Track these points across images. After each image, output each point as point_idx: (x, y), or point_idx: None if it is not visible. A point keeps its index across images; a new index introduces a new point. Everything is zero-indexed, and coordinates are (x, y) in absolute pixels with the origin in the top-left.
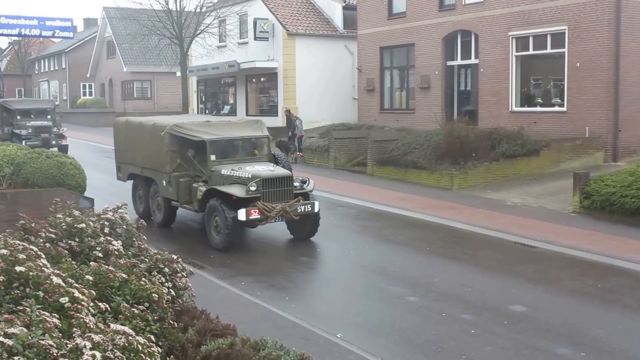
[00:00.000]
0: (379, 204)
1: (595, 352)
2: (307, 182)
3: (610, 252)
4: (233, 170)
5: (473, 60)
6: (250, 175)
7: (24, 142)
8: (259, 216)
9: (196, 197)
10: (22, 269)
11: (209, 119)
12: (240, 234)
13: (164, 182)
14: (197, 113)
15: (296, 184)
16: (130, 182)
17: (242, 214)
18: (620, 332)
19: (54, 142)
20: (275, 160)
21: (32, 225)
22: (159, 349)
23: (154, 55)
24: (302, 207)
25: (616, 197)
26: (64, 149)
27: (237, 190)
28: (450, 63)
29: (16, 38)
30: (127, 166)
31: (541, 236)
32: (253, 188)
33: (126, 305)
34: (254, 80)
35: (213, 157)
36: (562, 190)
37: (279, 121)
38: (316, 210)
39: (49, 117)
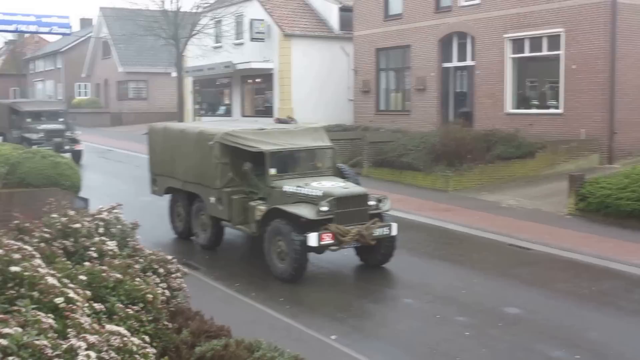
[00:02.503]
0: None
1: (590, 354)
2: (383, 200)
3: (605, 255)
4: (298, 187)
5: (469, 62)
6: (320, 193)
7: (34, 147)
8: (332, 241)
9: (254, 218)
10: (17, 269)
11: (263, 126)
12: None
13: (213, 199)
14: (193, 114)
15: (371, 202)
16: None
17: (313, 239)
18: (614, 335)
19: (67, 147)
20: (341, 174)
21: (27, 225)
22: (154, 350)
23: (149, 56)
24: (379, 230)
25: (611, 199)
26: (77, 154)
27: (306, 211)
28: (446, 65)
29: (12, 37)
30: (165, 179)
31: (536, 238)
32: (325, 208)
33: (121, 305)
34: (249, 81)
35: (273, 171)
36: (557, 192)
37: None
38: (393, 233)
39: (61, 119)
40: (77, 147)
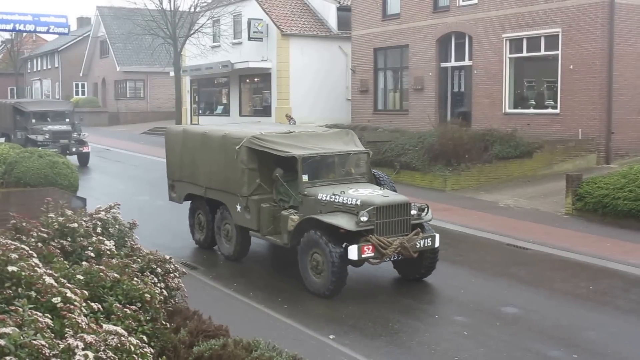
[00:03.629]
0: None
1: (588, 354)
2: (426, 209)
3: (603, 254)
4: (334, 194)
5: (467, 62)
6: (359, 202)
7: (40, 149)
8: (372, 254)
9: (286, 228)
10: (14, 268)
11: (290, 128)
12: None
13: (239, 207)
14: (191, 113)
15: (413, 212)
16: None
17: (353, 252)
18: (612, 334)
19: (74, 149)
20: (376, 180)
21: (24, 224)
22: (151, 350)
23: (147, 55)
24: (422, 242)
25: (609, 199)
26: (85, 157)
27: (344, 222)
28: (444, 64)
29: (9, 36)
30: (185, 185)
31: (534, 238)
32: (364, 218)
33: (118, 305)
34: (247, 80)
35: (305, 178)
36: (554, 192)
37: (272, 122)
38: (436, 245)
39: (67, 120)
40: (85, 150)
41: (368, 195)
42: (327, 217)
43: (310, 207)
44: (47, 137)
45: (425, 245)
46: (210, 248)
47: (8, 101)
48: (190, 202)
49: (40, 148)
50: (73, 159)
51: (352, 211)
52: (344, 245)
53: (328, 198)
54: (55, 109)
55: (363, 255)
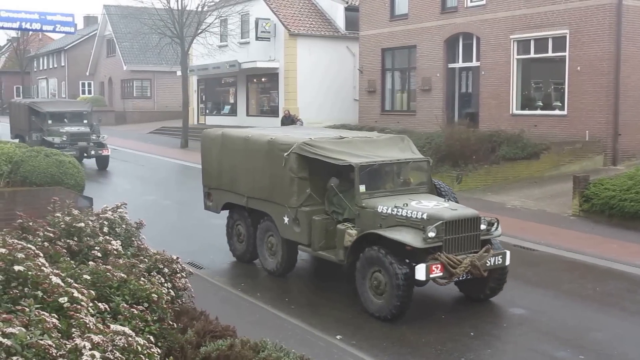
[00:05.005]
0: None
1: (594, 355)
2: (495, 224)
3: (609, 256)
4: (396, 207)
5: (474, 63)
6: (425, 216)
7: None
8: (441, 273)
9: (342, 243)
10: (20, 268)
11: (341, 133)
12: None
13: (287, 219)
14: (198, 113)
15: (482, 226)
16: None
17: (421, 271)
18: (618, 336)
19: (92, 152)
20: (437, 191)
21: (30, 224)
22: (158, 350)
23: (154, 54)
24: (492, 260)
25: (615, 200)
26: (104, 160)
27: (411, 238)
28: (451, 65)
29: (15, 34)
30: (223, 193)
31: (541, 239)
32: (432, 234)
33: (125, 305)
34: (254, 80)
35: (363, 188)
36: (561, 193)
37: (280, 122)
38: (507, 263)
39: (85, 121)
40: (104, 153)
41: (434, 208)
42: (390, 232)
43: (369, 221)
44: (64, 139)
45: (496, 263)
46: (250, 262)
47: (23, 101)
48: (228, 211)
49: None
50: (91, 162)
51: (418, 226)
52: (409, 264)
53: (389, 211)
54: (73, 110)
55: (431, 275)
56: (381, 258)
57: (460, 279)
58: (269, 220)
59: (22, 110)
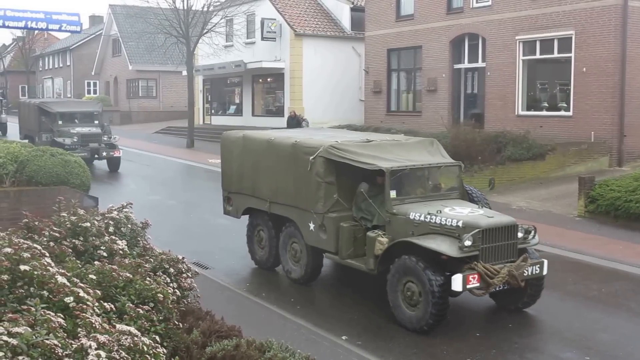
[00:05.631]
0: None
1: (600, 356)
2: (532, 232)
3: (615, 257)
4: (429, 214)
5: (480, 64)
6: (460, 224)
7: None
8: (478, 284)
9: (372, 252)
10: (26, 267)
11: (368, 136)
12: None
13: (312, 225)
14: (203, 113)
15: (519, 234)
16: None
17: (458, 282)
18: (624, 337)
19: (104, 154)
20: (469, 196)
21: (36, 223)
22: (164, 350)
23: (160, 54)
24: (530, 269)
25: (621, 201)
26: (116, 162)
27: (446, 246)
28: (457, 66)
29: (21, 34)
30: (244, 198)
31: (546, 240)
32: (469, 243)
33: (131, 305)
34: (260, 80)
35: (393, 194)
36: (567, 194)
37: (285, 122)
38: (544, 272)
39: (96, 122)
40: (116, 154)
41: (470, 215)
42: (424, 240)
43: (400, 228)
44: (75, 140)
45: (533, 273)
46: (272, 269)
47: (33, 101)
48: (249, 216)
49: (74, 154)
50: (101, 164)
51: (453, 234)
52: (444, 274)
53: (422, 218)
54: (84, 110)
55: (468, 286)
56: (415, 268)
57: (497, 289)
58: (293, 227)
59: (31, 111)
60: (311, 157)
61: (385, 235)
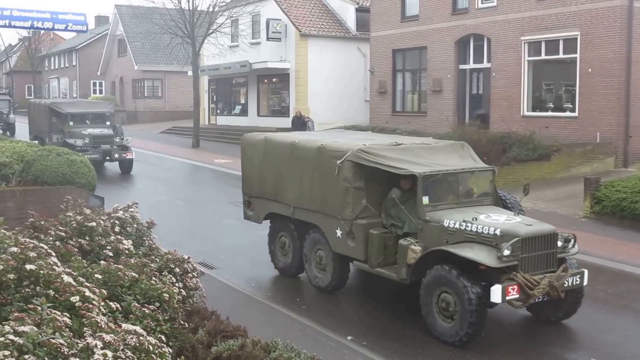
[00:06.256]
0: None
1: (605, 357)
2: (572, 240)
3: (621, 258)
4: (465, 221)
5: (485, 64)
6: (498, 232)
7: (86, 157)
8: (517, 295)
9: (405, 260)
10: (32, 267)
11: (397, 139)
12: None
13: (339, 232)
14: (209, 113)
15: (559, 243)
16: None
17: (497, 293)
18: (630, 338)
19: (116, 155)
20: (503, 203)
21: (42, 223)
22: (170, 350)
23: (165, 54)
24: (570, 280)
25: (627, 202)
26: (128, 164)
27: (484, 256)
28: (462, 67)
29: (27, 34)
30: (266, 203)
31: None
32: (507, 252)
33: (137, 305)
34: (265, 80)
35: (426, 200)
36: (572, 195)
37: (290, 122)
38: (585, 283)
39: (108, 123)
40: (128, 156)
41: (508, 223)
42: (461, 249)
43: (433, 236)
44: (86, 141)
45: (574, 283)
46: (295, 276)
47: (43, 101)
48: (270, 222)
49: (80, 154)
50: (114, 166)
51: (490, 243)
52: (482, 285)
53: (457, 225)
54: (95, 111)
55: (507, 298)
56: (451, 277)
57: (536, 301)
58: (318, 233)
59: (41, 111)
60: (338, 161)
61: (418, 243)
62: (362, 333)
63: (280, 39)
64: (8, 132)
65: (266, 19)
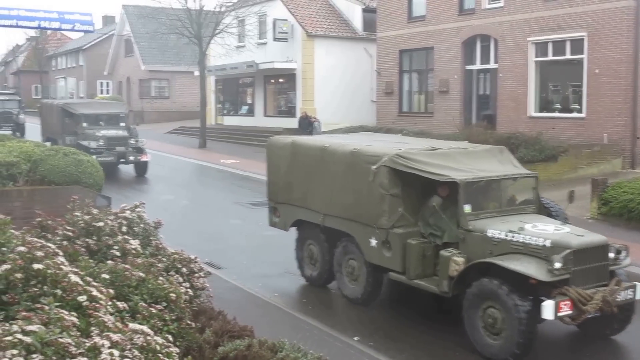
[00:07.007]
0: None
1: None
2: (624, 252)
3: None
4: (512, 232)
5: (492, 65)
6: (548, 243)
7: (93, 157)
8: (570, 311)
9: (446, 272)
10: (40, 266)
11: (432, 143)
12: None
13: (374, 241)
14: (215, 113)
15: (610, 254)
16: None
17: (549, 309)
18: (636, 339)
19: (131, 158)
20: (547, 210)
21: (49, 222)
22: (177, 349)
23: (172, 54)
24: (623, 294)
25: (634, 204)
26: (143, 167)
27: (534, 269)
28: (469, 67)
29: (34, 34)
30: (294, 209)
31: None
32: (559, 265)
33: (144, 304)
34: (272, 81)
35: (468, 208)
36: (580, 196)
37: (297, 123)
38: (638, 296)
39: (122, 124)
40: (143, 158)
41: (557, 233)
42: (509, 262)
43: (477, 247)
44: (101, 143)
45: (627, 297)
46: (324, 286)
47: (56, 101)
48: (297, 229)
49: (94, 156)
50: (129, 168)
51: (539, 254)
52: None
53: (503, 236)
54: (109, 112)
55: (559, 314)
56: (498, 292)
57: (590, 315)
58: (350, 242)
59: (54, 112)
60: (374, 167)
61: (461, 254)
62: (369, 333)
63: (286, 39)
64: (18, 133)
65: (273, 19)
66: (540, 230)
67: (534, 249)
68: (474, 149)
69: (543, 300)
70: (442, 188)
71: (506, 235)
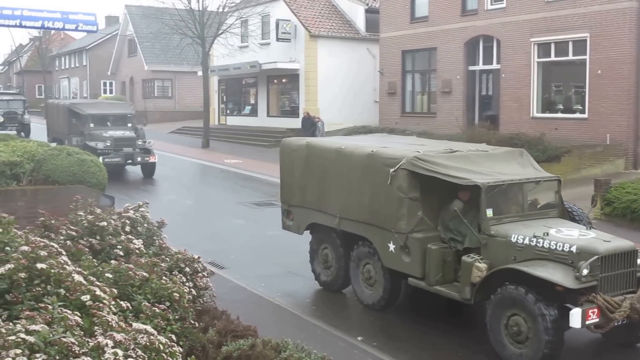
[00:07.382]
0: None
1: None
2: None
3: None
4: (536, 237)
5: (495, 66)
6: (574, 249)
7: (100, 158)
8: (597, 319)
9: (468, 279)
10: (43, 266)
11: (451, 145)
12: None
13: (392, 245)
14: (218, 113)
15: (638, 260)
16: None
17: (577, 317)
18: None
19: (139, 159)
20: (570, 215)
21: (53, 222)
22: (180, 349)
23: (175, 54)
24: None
25: (637, 204)
26: (150, 168)
27: (560, 275)
28: (472, 68)
29: (37, 33)
30: (307, 212)
31: None
32: (586, 271)
33: (147, 304)
34: (275, 81)
35: (490, 212)
36: (582, 196)
37: (300, 123)
38: None
39: (129, 125)
40: (151, 159)
41: (583, 239)
42: (533, 268)
43: (499, 252)
44: (108, 144)
45: None
46: (339, 291)
47: (62, 102)
48: (311, 233)
49: (101, 157)
50: (136, 169)
51: (565, 260)
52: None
53: (527, 241)
54: (116, 112)
55: (587, 322)
56: (524, 299)
57: (615, 324)
58: (367, 246)
59: (60, 112)
60: (392, 170)
61: (483, 260)
62: (373, 333)
63: (289, 39)
64: (23, 133)
65: (276, 19)
66: (566, 235)
67: (559, 254)
68: (493, 151)
69: (569, 308)
70: (463, 192)
71: (530, 241)
